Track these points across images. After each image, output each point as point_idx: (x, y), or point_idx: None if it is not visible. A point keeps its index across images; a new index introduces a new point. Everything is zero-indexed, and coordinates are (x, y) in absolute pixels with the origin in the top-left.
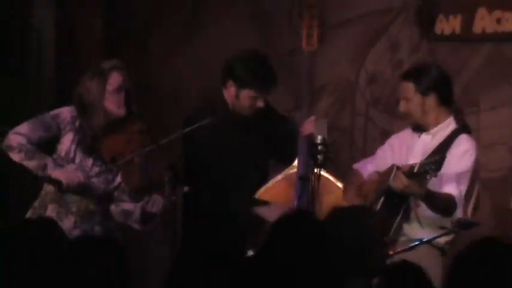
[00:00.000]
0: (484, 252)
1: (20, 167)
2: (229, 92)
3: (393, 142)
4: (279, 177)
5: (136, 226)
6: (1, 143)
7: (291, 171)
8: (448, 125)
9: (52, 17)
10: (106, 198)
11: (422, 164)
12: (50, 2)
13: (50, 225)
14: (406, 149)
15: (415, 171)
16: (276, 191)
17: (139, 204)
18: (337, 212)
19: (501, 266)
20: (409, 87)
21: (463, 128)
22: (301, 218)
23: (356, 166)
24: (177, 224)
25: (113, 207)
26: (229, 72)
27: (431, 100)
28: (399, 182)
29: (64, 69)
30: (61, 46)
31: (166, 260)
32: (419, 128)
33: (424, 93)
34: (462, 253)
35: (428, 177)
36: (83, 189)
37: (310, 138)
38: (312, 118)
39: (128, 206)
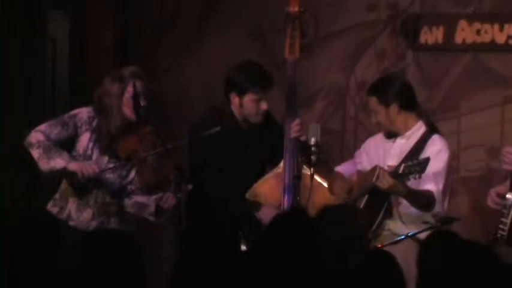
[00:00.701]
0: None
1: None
2: (234, 103)
3: (368, 146)
4: (268, 175)
5: (151, 218)
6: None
7: (279, 170)
8: (419, 128)
9: (66, 27)
10: (121, 192)
11: (408, 166)
12: (65, 14)
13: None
14: (383, 151)
15: (400, 171)
16: (266, 189)
17: (154, 198)
18: (328, 210)
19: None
20: (373, 101)
21: (433, 130)
22: (296, 215)
23: (338, 168)
24: (181, 221)
25: (126, 200)
26: (228, 85)
27: (394, 109)
28: (385, 182)
29: (76, 76)
30: (74, 54)
31: (172, 255)
32: (392, 135)
33: (386, 104)
34: (425, 241)
35: (411, 178)
36: (98, 182)
37: (298, 139)
38: (298, 121)
39: (139, 198)
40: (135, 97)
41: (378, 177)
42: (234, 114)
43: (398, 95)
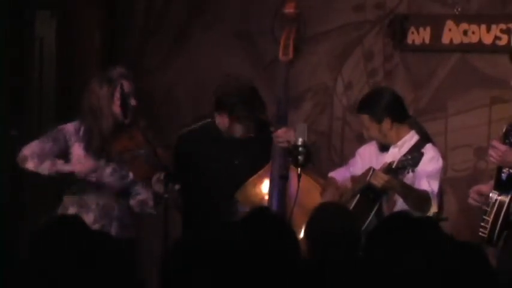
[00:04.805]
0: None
1: None
2: (222, 121)
3: (363, 153)
4: (255, 177)
5: (153, 212)
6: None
7: (265, 171)
8: (412, 137)
9: (53, 28)
10: (123, 193)
11: (401, 160)
12: (52, 14)
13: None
14: (376, 160)
15: (393, 166)
16: (252, 191)
17: (151, 192)
18: (324, 207)
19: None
20: (365, 119)
21: (426, 139)
22: (262, 214)
23: (331, 174)
24: (168, 220)
25: (131, 201)
26: (220, 105)
27: (386, 124)
28: (379, 179)
29: (63, 76)
30: (61, 55)
31: (159, 253)
32: (386, 148)
33: (378, 121)
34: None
35: (406, 172)
36: (99, 181)
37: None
38: (283, 129)
39: (142, 196)
40: (125, 97)
41: (371, 177)
42: (219, 128)
43: (389, 110)
